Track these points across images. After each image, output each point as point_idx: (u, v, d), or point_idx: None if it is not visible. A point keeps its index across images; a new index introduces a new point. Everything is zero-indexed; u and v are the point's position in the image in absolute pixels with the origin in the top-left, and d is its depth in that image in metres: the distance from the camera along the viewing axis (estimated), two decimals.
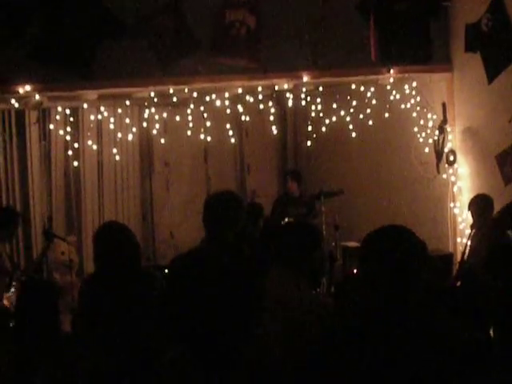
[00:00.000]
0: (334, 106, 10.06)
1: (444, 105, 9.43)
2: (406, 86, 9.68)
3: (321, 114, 10.27)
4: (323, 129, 10.29)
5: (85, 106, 10.10)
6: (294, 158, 13.04)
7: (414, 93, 9.70)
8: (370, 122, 9.95)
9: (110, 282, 5.36)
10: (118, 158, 10.71)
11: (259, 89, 9.57)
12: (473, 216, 8.21)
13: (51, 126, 10.52)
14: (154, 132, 10.24)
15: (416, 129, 9.76)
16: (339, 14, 9.20)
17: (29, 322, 4.23)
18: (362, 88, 9.76)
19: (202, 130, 10.13)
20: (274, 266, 4.59)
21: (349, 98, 9.95)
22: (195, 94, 9.47)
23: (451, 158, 9.34)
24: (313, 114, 10.40)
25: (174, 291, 4.97)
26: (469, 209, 8.30)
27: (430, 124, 9.62)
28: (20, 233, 10.69)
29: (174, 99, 9.51)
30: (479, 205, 8.10)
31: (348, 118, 9.98)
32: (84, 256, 10.88)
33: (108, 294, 5.34)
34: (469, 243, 8.12)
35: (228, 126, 10.20)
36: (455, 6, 9.24)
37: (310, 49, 9.14)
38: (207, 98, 9.63)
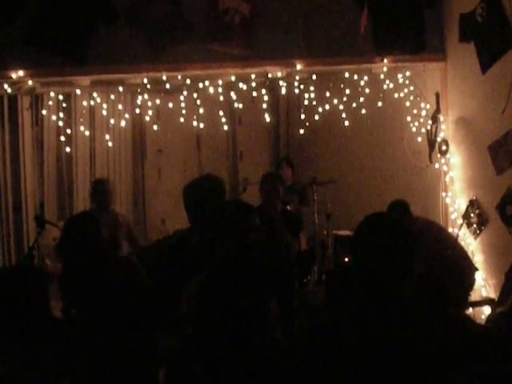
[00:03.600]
0: (327, 94, 10.05)
1: (437, 94, 9.43)
2: (400, 76, 9.68)
3: (314, 103, 10.26)
4: (316, 117, 10.27)
5: (78, 91, 10.09)
6: (286, 145, 13.04)
7: (407, 82, 9.69)
8: (363, 111, 9.96)
9: (77, 271, 5.40)
10: (110, 144, 10.71)
11: (252, 76, 9.55)
12: None
13: (44, 112, 10.49)
14: (147, 118, 10.22)
15: (409, 118, 9.77)
16: (334, 2, 9.20)
17: (18, 309, 4.23)
18: (356, 77, 9.75)
19: (195, 116, 10.11)
20: None
21: (342, 86, 9.94)
22: (188, 81, 9.46)
23: (444, 148, 9.34)
24: (306, 102, 10.39)
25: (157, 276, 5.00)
26: None
27: (423, 113, 9.63)
28: (11, 218, 10.70)
29: (167, 86, 9.48)
30: None
31: (341, 107, 9.96)
32: None
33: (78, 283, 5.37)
34: None
35: (221, 113, 10.19)
36: None
37: (304, 37, 9.13)
38: (200, 85, 9.61)
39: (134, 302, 5.06)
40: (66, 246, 5.50)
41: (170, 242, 5.22)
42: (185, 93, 9.79)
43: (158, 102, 10.07)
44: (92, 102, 10.38)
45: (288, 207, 9.79)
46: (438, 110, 9.39)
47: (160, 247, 5.29)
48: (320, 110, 10.18)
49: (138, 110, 10.25)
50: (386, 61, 9.22)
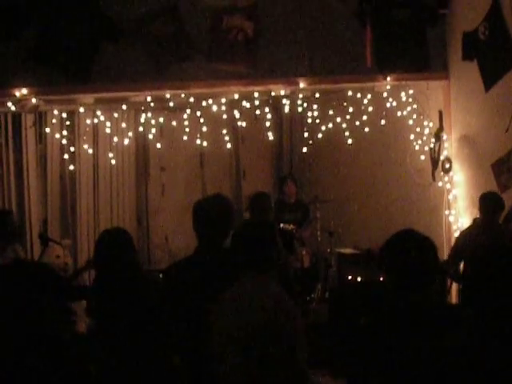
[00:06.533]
0: (331, 112, 10.07)
1: (440, 112, 9.43)
2: (403, 94, 9.68)
3: (317, 121, 10.28)
4: (319, 135, 10.29)
5: (81, 109, 10.11)
6: (289, 164, 13.02)
7: (410, 100, 9.69)
8: (367, 129, 9.95)
9: (112, 286, 5.38)
10: (113, 162, 10.72)
11: (256, 94, 9.59)
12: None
13: (47, 130, 10.53)
14: (150, 136, 10.23)
15: (412, 136, 9.77)
16: (336, 20, 9.22)
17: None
18: (359, 95, 9.77)
19: (198, 135, 10.15)
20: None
21: (345, 104, 9.96)
22: (192, 99, 9.48)
23: (447, 166, 9.33)
24: (309, 121, 10.42)
25: (169, 300, 4.98)
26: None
27: (426, 131, 9.62)
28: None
29: (171, 104, 9.50)
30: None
31: (344, 125, 9.98)
32: (79, 259, 10.87)
33: (111, 297, 5.36)
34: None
35: (224, 131, 10.21)
36: (452, 14, 9.25)
37: (307, 55, 9.14)
38: (204, 103, 9.64)
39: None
40: (101, 260, 5.52)
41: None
42: (188, 111, 9.81)
43: (161, 120, 10.09)
44: (95, 120, 10.42)
45: (289, 226, 9.81)
46: (441, 128, 9.39)
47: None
48: (323, 128, 10.20)
49: (141, 128, 10.27)
50: (388, 79, 9.23)
